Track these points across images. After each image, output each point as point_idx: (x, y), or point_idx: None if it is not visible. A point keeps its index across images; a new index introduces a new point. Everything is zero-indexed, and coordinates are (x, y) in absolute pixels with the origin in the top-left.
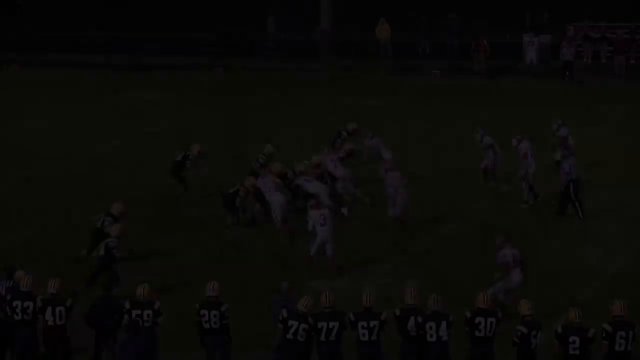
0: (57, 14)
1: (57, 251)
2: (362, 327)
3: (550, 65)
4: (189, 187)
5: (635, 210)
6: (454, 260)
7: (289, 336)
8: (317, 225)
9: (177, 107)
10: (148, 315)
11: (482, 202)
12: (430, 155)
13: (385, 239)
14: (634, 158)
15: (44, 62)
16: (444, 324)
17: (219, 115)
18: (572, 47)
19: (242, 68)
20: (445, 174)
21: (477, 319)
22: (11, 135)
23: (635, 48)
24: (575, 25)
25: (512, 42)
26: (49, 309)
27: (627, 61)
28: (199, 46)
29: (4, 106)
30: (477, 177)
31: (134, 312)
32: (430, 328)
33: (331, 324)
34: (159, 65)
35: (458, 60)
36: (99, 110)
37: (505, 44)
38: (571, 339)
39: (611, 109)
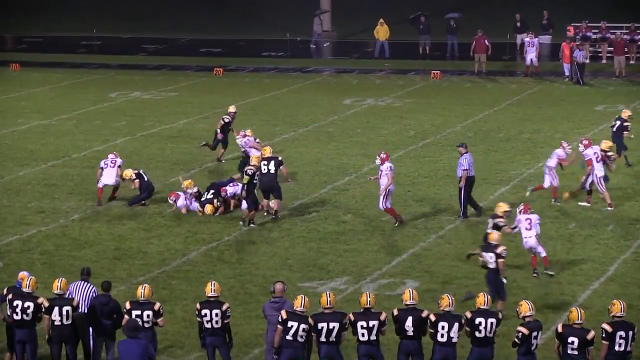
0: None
1: (55, 251)
2: (362, 327)
3: (549, 65)
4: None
5: (636, 210)
6: (454, 260)
7: (289, 337)
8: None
9: (177, 107)
10: (148, 316)
11: (482, 202)
12: (430, 154)
13: (384, 239)
14: (634, 158)
15: (44, 62)
16: (456, 325)
17: (219, 115)
18: (583, 49)
19: (240, 68)
20: (445, 174)
21: (478, 320)
22: (11, 135)
23: (635, 48)
24: (575, 25)
25: (512, 42)
26: (56, 309)
27: (627, 61)
28: (200, 46)
29: (3, 106)
30: (477, 176)
31: (134, 313)
32: (443, 328)
33: (331, 325)
34: (159, 65)
35: (458, 60)
36: (99, 110)
37: (505, 44)
38: (570, 339)
39: (611, 109)
